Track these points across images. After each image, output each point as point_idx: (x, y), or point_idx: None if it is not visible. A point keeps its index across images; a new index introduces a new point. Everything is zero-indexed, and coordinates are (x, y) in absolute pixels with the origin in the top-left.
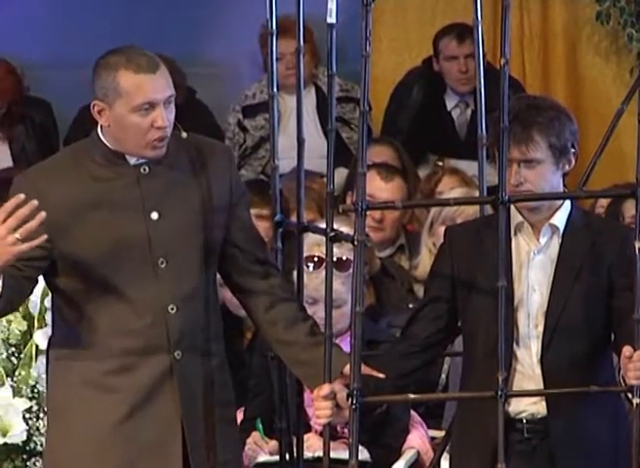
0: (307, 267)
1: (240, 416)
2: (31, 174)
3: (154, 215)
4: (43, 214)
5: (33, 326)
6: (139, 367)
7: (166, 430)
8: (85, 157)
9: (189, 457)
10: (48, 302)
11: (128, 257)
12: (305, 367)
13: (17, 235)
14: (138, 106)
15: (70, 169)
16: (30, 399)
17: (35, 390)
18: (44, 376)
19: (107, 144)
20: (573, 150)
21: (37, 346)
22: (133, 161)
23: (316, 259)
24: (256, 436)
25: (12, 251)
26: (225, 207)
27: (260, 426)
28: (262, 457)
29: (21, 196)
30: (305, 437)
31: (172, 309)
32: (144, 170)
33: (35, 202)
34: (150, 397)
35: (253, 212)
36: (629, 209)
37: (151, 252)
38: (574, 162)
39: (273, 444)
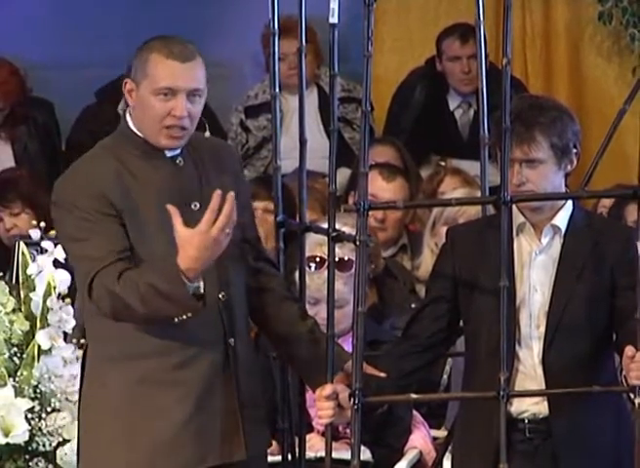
0: (309, 268)
1: None
2: (71, 176)
3: (195, 206)
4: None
5: (36, 326)
6: (200, 358)
7: (229, 419)
8: (122, 152)
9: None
10: (50, 302)
11: (148, 248)
12: (306, 365)
13: (227, 230)
14: (158, 89)
15: (110, 167)
16: (32, 399)
17: (37, 390)
18: (46, 376)
19: (140, 134)
20: (575, 150)
21: (39, 346)
22: (169, 153)
23: (318, 260)
24: None
25: (222, 247)
26: (241, 205)
27: None
28: None
29: (219, 192)
30: (307, 437)
31: (222, 296)
32: (180, 162)
33: (232, 193)
34: (212, 387)
35: (261, 205)
36: (632, 212)
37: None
38: (576, 162)
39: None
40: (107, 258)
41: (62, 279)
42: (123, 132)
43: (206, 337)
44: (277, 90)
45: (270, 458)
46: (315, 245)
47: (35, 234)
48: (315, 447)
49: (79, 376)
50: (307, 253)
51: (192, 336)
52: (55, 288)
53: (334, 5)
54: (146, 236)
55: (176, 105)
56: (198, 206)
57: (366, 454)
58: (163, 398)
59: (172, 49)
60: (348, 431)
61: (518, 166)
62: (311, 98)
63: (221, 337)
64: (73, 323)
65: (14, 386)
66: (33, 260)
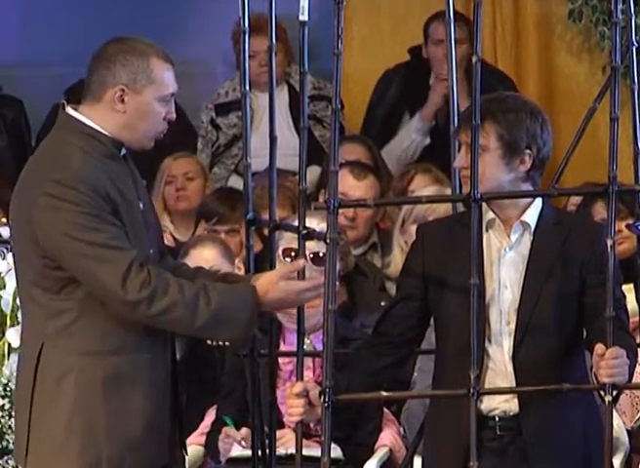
0: (285, 260)
1: (212, 415)
2: (68, 172)
3: (141, 205)
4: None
5: (5, 324)
6: (163, 355)
7: (174, 418)
8: (90, 149)
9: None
10: None
11: (141, 247)
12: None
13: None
14: (165, 96)
15: (97, 165)
16: (2, 397)
17: (7, 388)
18: (16, 374)
19: (109, 135)
20: (528, 151)
21: (9, 344)
22: (123, 152)
23: (293, 254)
24: (227, 429)
25: None
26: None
27: (229, 421)
28: (235, 452)
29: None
30: (281, 433)
31: None
32: (128, 161)
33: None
34: (167, 386)
35: (224, 228)
36: (599, 211)
37: (148, 240)
38: (529, 164)
39: (244, 431)
40: (132, 251)
41: None
42: (82, 130)
43: (165, 334)
44: (247, 87)
45: (241, 453)
46: (292, 238)
47: (5, 231)
48: (288, 443)
49: (30, 373)
50: (284, 246)
51: (157, 333)
52: None
53: (304, 3)
54: (136, 234)
55: (170, 109)
56: (142, 206)
57: (336, 452)
58: (134, 394)
59: (162, 52)
60: (319, 428)
61: (463, 150)
62: (281, 96)
63: (170, 335)
64: None
65: None
66: (3, 258)
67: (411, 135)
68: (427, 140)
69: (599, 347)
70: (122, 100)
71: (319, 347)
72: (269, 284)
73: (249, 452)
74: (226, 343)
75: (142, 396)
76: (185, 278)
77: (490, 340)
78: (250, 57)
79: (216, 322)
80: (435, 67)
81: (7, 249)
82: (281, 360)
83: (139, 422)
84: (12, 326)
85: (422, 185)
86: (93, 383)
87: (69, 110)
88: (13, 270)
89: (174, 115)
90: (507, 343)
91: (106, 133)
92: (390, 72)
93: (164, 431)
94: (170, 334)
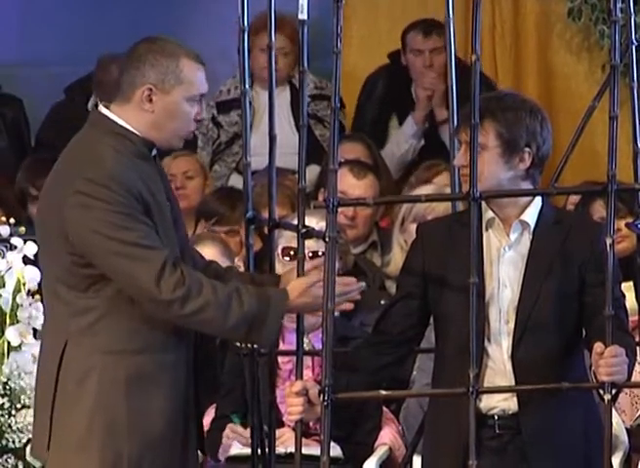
0: (284, 259)
1: (211, 414)
2: (101, 172)
3: (169, 205)
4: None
5: (5, 322)
6: (185, 358)
7: (191, 418)
8: (122, 149)
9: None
10: (20, 299)
11: (171, 246)
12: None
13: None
14: (194, 96)
15: (129, 165)
16: (2, 396)
17: (7, 387)
18: (16, 373)
19: (140, 134)
20: (527, 149)
21: (9, 343)
22: (153, 152)
23: (292, 253)
24: (231, 426)
25: None
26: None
27: (237, 419)
28: (235, 450)
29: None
30: (281, 432)
31: None
32: (157, 162)
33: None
34: (187, 388)
35: (224, 228)
36: (598, 210)
37: (178, 240)
38: (529, 162)
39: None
40: (164, 251)
41: (32, 276)
42: (114, 129)
43: (188, 340)
44: (247, 86)
45: (240, 451)
46: (291, 237)
47: (4, 230)
48: (287, 442)
49: (53, 371)
50: (283, 245)
51: (182, 333)
52: (24, 284)
53: (303, 1)
54: (166, 233)
55: (200, 110)
56: (168, 203)
57: (336, 450)
58: (156, 395)
59: (193, 52)
60: (319, 427)
61: (463, 148)
62: (283, 95)
63: (193, 334)
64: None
65: None
66: (2, 257)
67: (407, 140)
68: (422, 142)
69: (598, 346)
70: (150, 100)
71: (318, 346)
72: (301, 289)
73: (248, 451)
74: (255, 346)
75: (164, 397)
76: (215, 276)
77: (489, 339)
78: (250, 54)
79: (247, 324)
80: (414, 75)
81: (6, 247)
82: (280, 359)
83: (159, 422)
84: (11, 324)
85: (445, 182)
86: (116, 382)
87: (102, 109)
88: (12, 269)
89: (204, 115)
90: (506, 342)
91: (137, 132)
92: (374, 75)
93: (179, 432)
94: (193, 335)
